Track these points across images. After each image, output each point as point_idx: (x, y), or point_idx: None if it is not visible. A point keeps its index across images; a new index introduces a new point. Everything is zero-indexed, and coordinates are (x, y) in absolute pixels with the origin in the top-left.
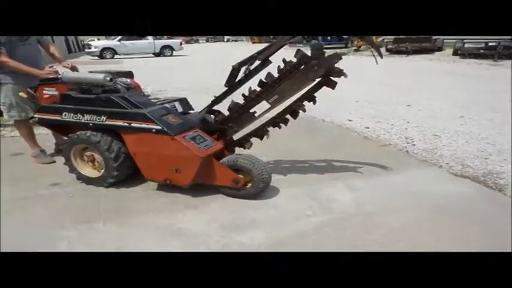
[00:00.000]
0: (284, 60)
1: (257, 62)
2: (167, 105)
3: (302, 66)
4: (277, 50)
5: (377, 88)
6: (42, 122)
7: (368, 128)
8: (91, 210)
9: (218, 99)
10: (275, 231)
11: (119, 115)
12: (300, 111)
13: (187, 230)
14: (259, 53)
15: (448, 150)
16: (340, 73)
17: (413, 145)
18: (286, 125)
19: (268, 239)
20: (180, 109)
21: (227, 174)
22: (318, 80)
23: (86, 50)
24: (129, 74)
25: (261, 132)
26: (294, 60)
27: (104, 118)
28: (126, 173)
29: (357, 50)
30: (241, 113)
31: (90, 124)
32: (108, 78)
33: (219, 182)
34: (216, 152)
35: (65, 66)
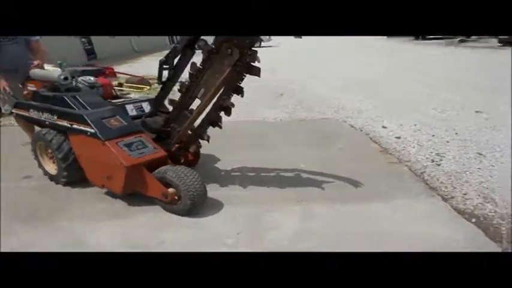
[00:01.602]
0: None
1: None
2: (131, 106)
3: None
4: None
5: (460, 89)
6: (18, 117)
7: (399, 138)
8: (31, 207)
9: (157, 99)
10: None
11: (65, 115)
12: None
13: (86, 242)
14: (179, 42)
15: (481, 176)
16: (253, 56)
17: (438, 165)
18: (220, 123)
19: None
20: (148, 110)
21: (156, 186)
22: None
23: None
24: (99, 72)
25: (199, 132)
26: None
27: (55, 117)
28: (78, 174)
29: (462, 41)
30: (179, 111)
31: (47, 122)
32: (62, 77)
33: (151, 194)
34: (149, 160)
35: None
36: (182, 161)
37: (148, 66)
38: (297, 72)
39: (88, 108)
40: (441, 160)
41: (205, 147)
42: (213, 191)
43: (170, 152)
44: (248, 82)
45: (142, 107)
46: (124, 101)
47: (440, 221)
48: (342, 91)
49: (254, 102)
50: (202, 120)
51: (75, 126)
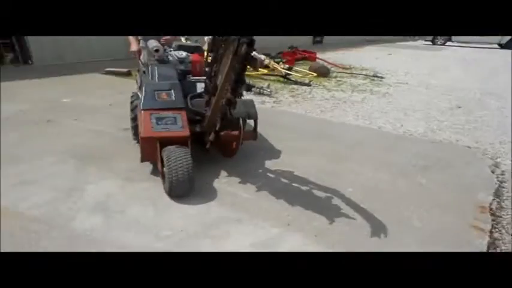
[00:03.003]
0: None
1: None
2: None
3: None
4: None
5: None
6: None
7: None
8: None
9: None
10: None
11: (140, 82)
12: None
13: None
14: None
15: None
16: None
17: None
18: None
19: None
20: None
21: (159, 163)
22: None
23: None
24: (196, 49)
25: (213, 121)
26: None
27: (138, 82)
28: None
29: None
30: (209, 96)
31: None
32: (154, 49)
33: (158, 168)
34: (166, 137)
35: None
36: (207, 146)
37: (359, 56)
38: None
39: (157, 79)
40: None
41: None
42: None
43: (198, 133)
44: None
45: None
46: (199, 78)
47: None
48: None
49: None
50: (212, 109)
51: (139, 92)
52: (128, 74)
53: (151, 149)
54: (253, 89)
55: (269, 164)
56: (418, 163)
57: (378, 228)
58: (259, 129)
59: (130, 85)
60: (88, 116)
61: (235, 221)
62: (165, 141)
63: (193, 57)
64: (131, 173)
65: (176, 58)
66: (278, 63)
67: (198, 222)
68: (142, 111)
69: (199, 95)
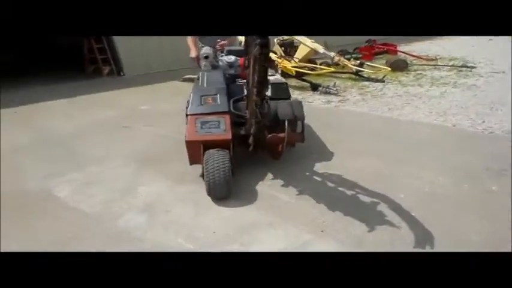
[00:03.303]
0: None
1: None
2: None
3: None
4: None
5: None
6: None
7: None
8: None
9: None
10: None
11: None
12: None
13: None
14: None
15: None
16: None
17: None
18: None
19: None
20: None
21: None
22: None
23: None
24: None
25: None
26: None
27: None
28: None
29: None
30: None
31: None
32: (204, 55)
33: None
34: (208, 140)
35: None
36: (250, 149)
37: (450, 45)
38: None
39: (205, 84)
40: None
41: None
42: None
43: (244, 136)
44: None
45: None
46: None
47: None
48: None
49: None
50: (249, 111)
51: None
52: None
53: (196, 152)
54: (319, 88)
55: (318, 166)
56: (491, 166)
57: (423, 240)
58: (315, 130)
59: None
60: (158, 121)
61: (268, 225)
62: (208, 145)
63: (242, 60)
64: (183, 176)
65: (226, 63)
66: (356, 59)
67: (232, 225)
68: (189, 116)
69: (242, 98)
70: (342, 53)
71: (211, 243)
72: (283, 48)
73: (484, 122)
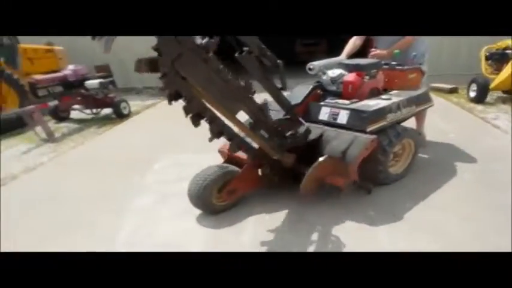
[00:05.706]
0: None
1: None
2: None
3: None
4: None
5: None
6: None
7: None
8: None
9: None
10: None
11: None
12: None
13: None
14: None
15: None
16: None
17: None
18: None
19: None
20: None
21: None
22: None
23: None
24: (357, 67)
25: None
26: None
27: None
28: None
29: None
30: None
31: None
32: (308, 67)
33: None
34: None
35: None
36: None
37: None
38: None
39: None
40: None
41: None
42: None
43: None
44: None
45: None
46: (328, 102)
47: None
48: None
49: None
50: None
51: None
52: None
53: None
54: None
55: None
56: None
57: None
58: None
59: None
60: None
61: None
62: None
63: (348, 77)
64: None
65: (329, 77)
66: None
67: None
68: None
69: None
70: None
71: None
72: (489, 62)
73: None
